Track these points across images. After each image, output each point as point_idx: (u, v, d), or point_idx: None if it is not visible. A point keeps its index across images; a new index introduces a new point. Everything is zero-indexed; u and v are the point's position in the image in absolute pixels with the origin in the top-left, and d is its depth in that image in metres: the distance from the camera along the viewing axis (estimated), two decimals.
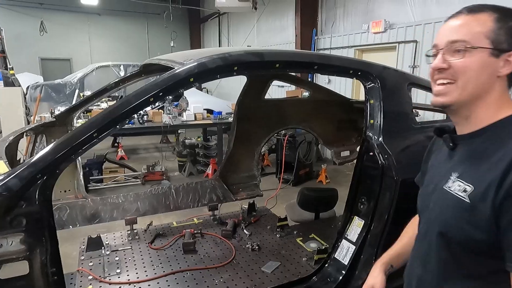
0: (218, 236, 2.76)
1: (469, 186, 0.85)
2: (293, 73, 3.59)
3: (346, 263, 1.60)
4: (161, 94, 1.25)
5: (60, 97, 8.97)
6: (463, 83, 0.87)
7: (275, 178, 5.98)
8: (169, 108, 5.59)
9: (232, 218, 3.03)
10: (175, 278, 2.21)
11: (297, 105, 3.40)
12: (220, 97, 10.29)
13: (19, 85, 5.63)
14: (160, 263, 2.38)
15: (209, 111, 6.62)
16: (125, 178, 5.72)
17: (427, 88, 1.82)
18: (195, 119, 5.81)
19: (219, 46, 13.01)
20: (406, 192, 1.37)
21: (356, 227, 1.62)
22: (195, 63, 1.34)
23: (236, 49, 1.52)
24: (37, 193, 1.05)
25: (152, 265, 2.36)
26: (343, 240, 1.66)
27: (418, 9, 5.36)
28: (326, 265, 1.71)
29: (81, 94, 7.95)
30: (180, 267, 2.33)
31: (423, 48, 5.21)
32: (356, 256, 1.58)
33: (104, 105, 6.85)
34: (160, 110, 5.79)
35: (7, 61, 5.33)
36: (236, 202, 3.31)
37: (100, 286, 2.12)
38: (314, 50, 7.66)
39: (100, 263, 2.35)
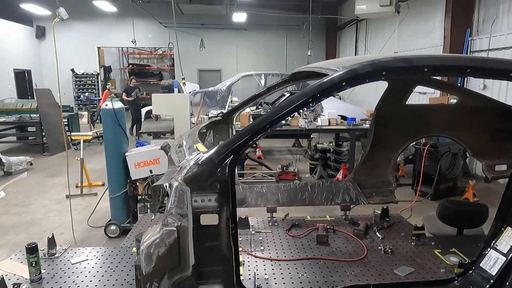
0: (350, 234, 2.88)
1: None
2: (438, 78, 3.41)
3: (493, 274, 1.52)
4: (318, 95, 1.51)
5: (212, 102, 10.53)
6: None
7: (411, 190, 5.65)
8: (306, 113, 5.95)
9: (364, 220, 3.10)
10: (310, 263, 2.45)
11: (442, 112, 3.22)
12: (353, 104, 10.20)
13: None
14: (296, 248, 2.66)
15: (343, 117, 6.71)
16: (262, 175, 6.36)
17: None
18: (329, 124, 6.00)
19: (355, 53, 12.86)
20: None
21: (508, 238, 1.52)
22: (348, 69, 1.55)
23: (384, 56, 1.66)
24: (227, 166, 1.45)
25: (290, 248, 2.66)
26: (491, 250, 1.57)
27: None
28: (470, 271, 1.65)
29: (230, 100, 9.12)
30: (314, 255, 2.56)
31: None
32: (507, 268, 1.49)
33: (247, 109, 7.71)
34: (297, 115, 6.21)
35: (181, 71, 6.66)
36: (367, 206, 3.36)
37: (248, 258, 2.53)
38: (466, 53, 6.87)
39: (247, 240, 2.79)
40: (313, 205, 3.33)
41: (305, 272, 2.33)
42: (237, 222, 2.99)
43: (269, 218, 3.14)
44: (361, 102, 10.69)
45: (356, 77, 1.54)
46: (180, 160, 1.69)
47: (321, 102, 6.57)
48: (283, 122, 1.51)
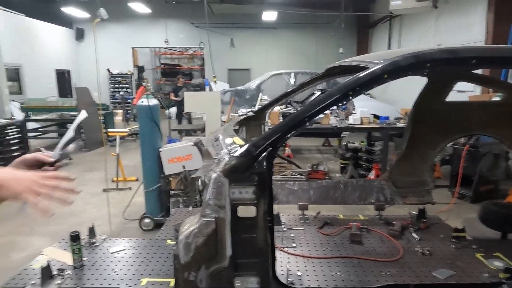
0: (384, 235, 2.80)
1: None
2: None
3: None
4: (358, 88, 1.48)
5: (241, 101, 10.61)
6: None
7: (448, 192, 5.42)
8: (337, 111, 5.85)
9: (399, 220, 3.01)
10: (343, 262, 2.40)
11: (485, 109, 3.06)
12: (385, 103, 9.93)
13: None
14: (329, 247, 2.62)
15: (375, 116, 6.54)
16: (291, 174, 6.33)
17: None
18: (361, 122, 5.87)
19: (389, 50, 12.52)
20: None
21: None
22: (389, 61, 1.51)
23: (428, 48, 1.60)
24: (265, 159, 1.46)
25: (322, 246, 2.62)
26: None
27: None
28: None
29: (259, 98, 9.13)
30: (347, 254, 2.51)
31: None
32: None
33: (277, 108, 7.69)
34: (329, 113, 6.12)
35: (212, 70, 6.75)
36: (402, 206, 3.25)
37: (280, 254, 2.52)
38: None
39: (279, 236, 2.77)
40: (345, 204, 3.27)
41: (339, 271, 2.29)
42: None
43: (301, 216, 3.11)
44: (393, 101, 10.37)
45: (399, 69, 1.50)
46: (217, 153, 1.72)
47: (353, 100, 6.45)
48: (322, 115, 1.49)
